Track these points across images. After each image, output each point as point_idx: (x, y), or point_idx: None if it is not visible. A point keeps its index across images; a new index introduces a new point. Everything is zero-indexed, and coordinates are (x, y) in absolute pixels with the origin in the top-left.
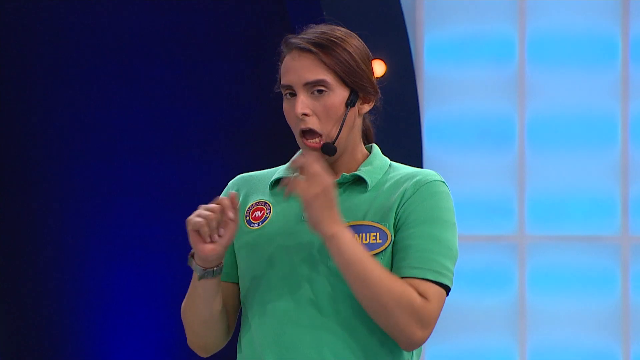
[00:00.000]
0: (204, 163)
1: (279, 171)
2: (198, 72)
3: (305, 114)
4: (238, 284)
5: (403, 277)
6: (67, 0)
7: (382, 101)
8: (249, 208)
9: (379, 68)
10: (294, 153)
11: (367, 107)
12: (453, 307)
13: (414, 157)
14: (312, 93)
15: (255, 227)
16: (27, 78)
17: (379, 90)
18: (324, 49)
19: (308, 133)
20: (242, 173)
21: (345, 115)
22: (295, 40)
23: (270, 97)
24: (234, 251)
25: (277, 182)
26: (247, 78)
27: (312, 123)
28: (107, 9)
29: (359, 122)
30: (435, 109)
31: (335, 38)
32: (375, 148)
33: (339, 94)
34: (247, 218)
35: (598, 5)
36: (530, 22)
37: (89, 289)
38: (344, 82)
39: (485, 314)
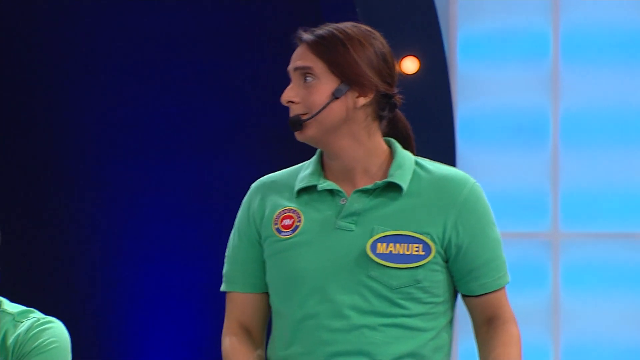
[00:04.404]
0: (231, 161)
1: (303, 178)
2: (223, 70)
3: (290, 102)
4: (266, 293)
5: (486, 294)
6: (93, 1)
7: (405, 99)
8: (277, 216)
9: (411, 65)
10: (314, 153)
11: (362, 101)
12: None
13: (447, 155)
14: (304, 81)
15: (285, 236)
16: (53, 77)
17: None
18: (318, 39)
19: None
20: (263, 172)
21: (327, 103)
22: (300, 32)
23: None
24: (261, 261)
25: (303, 189)
26: (271, 76)
27: (297, 110)
28: (131, 9)
29: (359, 115)
30: (468, 106)
31: (336, 31)
32: (395, 144)
33: (326, 83)
34: (277, 226)
35: None
36: (564, 17)
37: (114, 287)
38: (333, 72)
39: (519, 311)
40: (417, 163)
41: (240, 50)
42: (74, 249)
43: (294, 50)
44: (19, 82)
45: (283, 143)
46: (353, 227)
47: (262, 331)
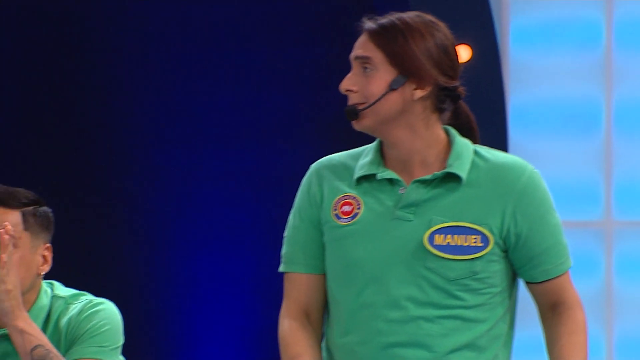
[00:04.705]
0: (287, 149)
1: (362, 166)
2: (281, 58)
3: (349, 90)
4: (324, 275)
5: (549, 280)
6: None
7: (466, 90)
8: (336, 201)
9: (464, 53)
10: (371, 140)
11: (419, 93)
12: None
13: (499, 144)
14: (363, 70)
15: (345, 222)
16: (109, 65)
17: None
18: (379, 29)
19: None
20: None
21: (383, 94)
22: (364, 20)
23: None
24: (321, 242)
25: (363, 177)
26: (329, 64)
27: (355, 99)
28: None
29: (417, 107)
30: (520, 95)
31: (398, 21)
32: (453, 132)
33: (384, 74)
34: (336, 212)
35: None
36: (618, 5)
37: (173, 276)
38: (392, 63)
39: None
40: (475, 152)
41: (299, 37)
42: (128, 236)
43: (351, 36)
44: (74, 70)
45: (340, 131)
46: (411, 217)
47: (321, 313)
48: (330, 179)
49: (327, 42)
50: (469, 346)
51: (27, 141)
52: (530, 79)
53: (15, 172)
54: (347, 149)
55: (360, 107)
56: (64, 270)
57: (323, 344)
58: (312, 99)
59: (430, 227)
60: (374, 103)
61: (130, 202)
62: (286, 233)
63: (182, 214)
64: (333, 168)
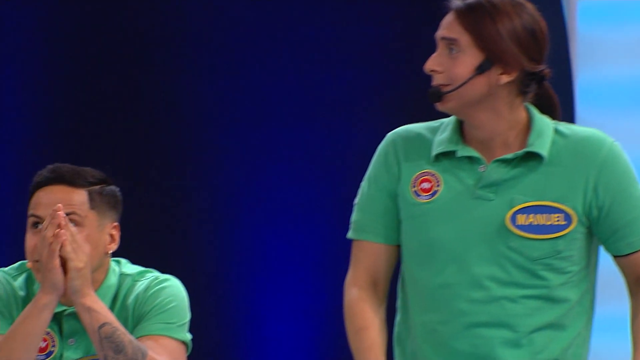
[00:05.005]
0: (353, 127)
1: (441, 142)
2: (348, 35)
3: (433, 70)
4: (398, 246)
5: (635, 252)
6: None
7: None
8: (415, 177)
9: None
10: (444, 116)
11: (505, 78)
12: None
13: (567, 121)
14: (449, 51)
15: (424, 200)
16: (177, 45)
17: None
18: (466, 9)
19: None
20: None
21: (469, 78)
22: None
23: (421, 60)
24: (395, 213)
25: (442, 153)
26: (396, 42)
27: (439, 79)
28: None
29: (502, 91)
30: (589, 72)
31: (487, 4)
32: (532, 110)
33: (470, 57)
34: (415, 189)
35: None
36: None
37: (240, 254)
38: (478, 47)
39: None
40: (555, 129)
41: (366, 15)
42: (195, 214)
43: (417, 15)
44: (141, 51)
45: (415, 106)
46: (492, 196)
47: (388, 284)
48: (408, 152)
49: (394, 20)
50: (552, 325)
51: (94, 121)
52: (599, 55)
53: (82, 152)
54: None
55: (445, 90)
56: (132, 248)
57: (399, 319)
58: (379, 77)
59: (512, 207)
60: (459, 87)
61: (197, 180)
62: (358, 200)
63: (250, 192)
64: (410, 140)
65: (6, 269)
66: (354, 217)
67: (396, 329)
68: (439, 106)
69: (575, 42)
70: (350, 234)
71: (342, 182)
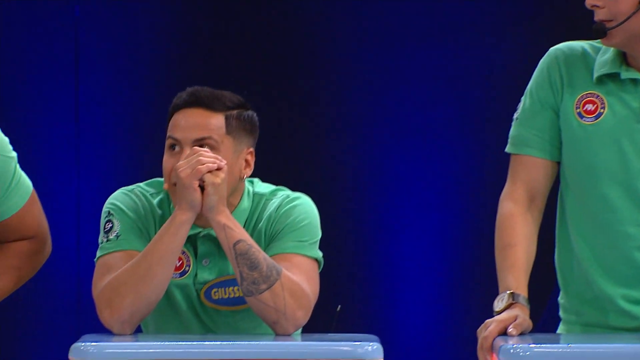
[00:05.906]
0: (477, 145)
1: (603, 63)
2: (471, 58)
3: (595, 6)
4: (558, 163)
5: None
6: None
7: None
8: (579, 98)
9: None
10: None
11: None
12: None
13: None
14: None
15: (588, 122)
16: (321, 58)
17: None
18: None
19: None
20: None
21: (633, 13)
22: None
23: None
24: (558, 128)
25: (605, 75)
26: (515, 66)
27: (601, 15)
28: None
29: None
30: None
31: None
32: None
33: None
34: (578, 110)
35: None
36: None
37: (374, 170)
38: None
39: None
40: None
41: (489, 39)
42: (331, 142)
43: (539, 39)
44: (280, 48)
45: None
46: None
47: (545, 200)
48: (571, 70)
49: (516, 45)
50: None
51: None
52: None
53: (225, 76)
54: None
55: (609, 26)
56: (265, 175)
57: (558, 242)
58: (502, 98)
59: None
60: (623, 22)
61: (331, 95)
62: (518, 115)
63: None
64: (573, 58)
65: (142, 184)
66: (513, 131)
67: (557, 252)
68: (604, 42)
69: None
70: (510, 149)
71: (477, 206)
